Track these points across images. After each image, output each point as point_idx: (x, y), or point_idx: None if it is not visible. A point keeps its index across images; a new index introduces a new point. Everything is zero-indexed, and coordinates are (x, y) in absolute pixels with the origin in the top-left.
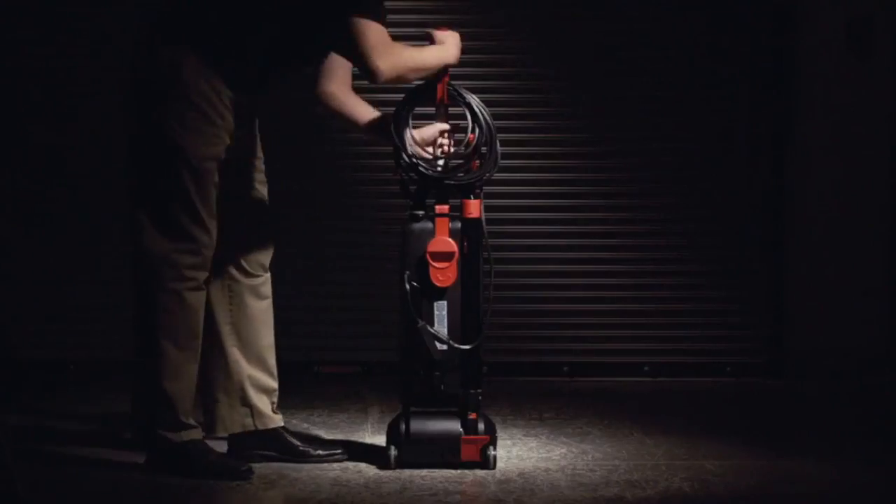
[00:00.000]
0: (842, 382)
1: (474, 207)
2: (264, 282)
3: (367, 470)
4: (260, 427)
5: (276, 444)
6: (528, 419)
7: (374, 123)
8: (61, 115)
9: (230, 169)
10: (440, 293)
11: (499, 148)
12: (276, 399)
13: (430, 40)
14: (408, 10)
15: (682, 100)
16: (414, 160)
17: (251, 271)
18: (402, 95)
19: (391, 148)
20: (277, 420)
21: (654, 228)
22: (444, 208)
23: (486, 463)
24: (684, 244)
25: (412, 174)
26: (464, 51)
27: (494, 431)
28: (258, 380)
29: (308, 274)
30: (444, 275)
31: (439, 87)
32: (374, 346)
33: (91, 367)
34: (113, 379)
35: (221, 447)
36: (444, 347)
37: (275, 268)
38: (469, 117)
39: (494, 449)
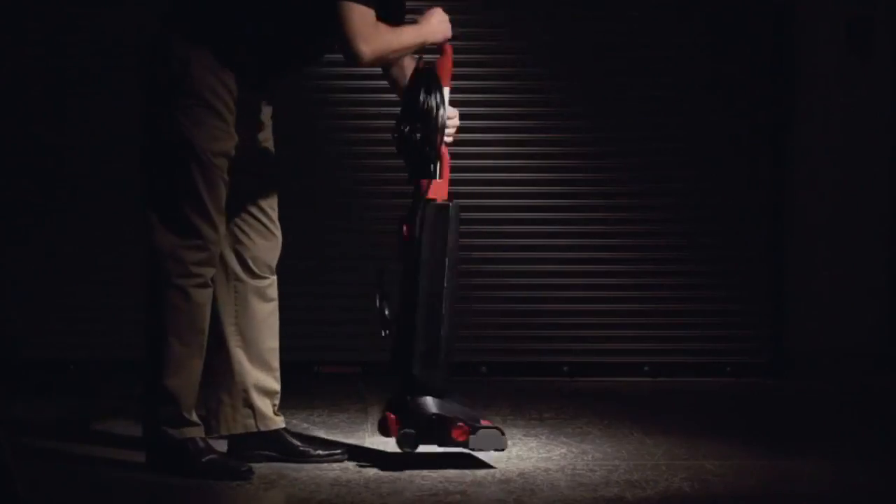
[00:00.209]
0: (842, 382)
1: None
2: (270, 284)
3: (367, 470)
4: (262, 428)
5: (277, 445)
6: (528, 419)
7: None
8: (61, 115)
9: (242, 169)
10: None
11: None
12: (277, 401)
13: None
14: (408, 10)
15: (682, 100)
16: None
17: (258, 272)
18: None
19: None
20: (279, 422)
21: (654, 228)
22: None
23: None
24: (684, 244)
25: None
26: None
27: (424, 418)
28: (261, 382)
29: (308, 274)
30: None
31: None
32: (374, 346)
33: (91, 367)
34: (113, 379)
35: (221, 447)
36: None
37: (277, 268)
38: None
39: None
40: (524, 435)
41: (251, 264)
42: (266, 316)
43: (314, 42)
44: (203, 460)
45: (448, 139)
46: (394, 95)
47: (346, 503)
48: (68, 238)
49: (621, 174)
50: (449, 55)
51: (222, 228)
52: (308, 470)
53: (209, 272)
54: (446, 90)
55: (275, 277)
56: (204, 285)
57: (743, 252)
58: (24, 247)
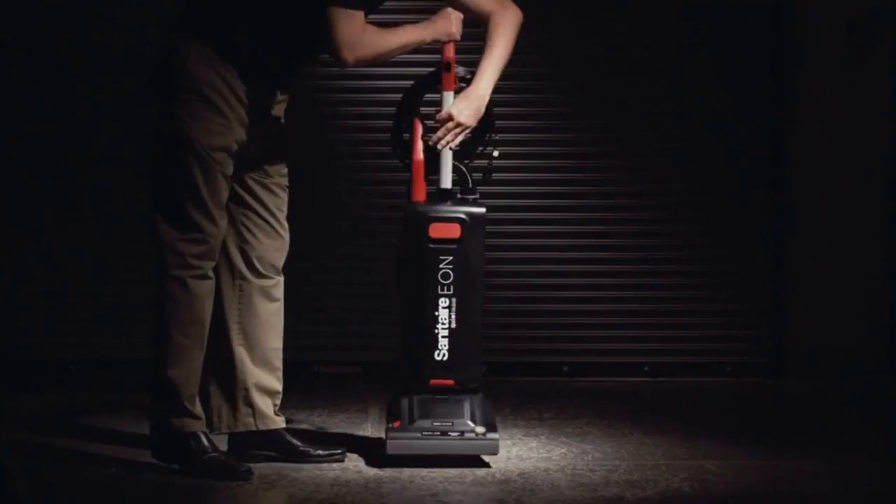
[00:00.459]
0: (842, 382)
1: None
2: (275, 284)
3: (367, 470)
4: (261, 428)
5: (277, 445)
6: (528, 419)
7: None
8: (61, 115)
9: (250, 167)
10: None
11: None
12: (279, 401)
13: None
14: (408, 10)
15: (683, 100)
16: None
17: (263, 272)
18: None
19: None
20: (279, 422)
21: (653, 228)
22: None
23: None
24: (684, 244)
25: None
26: (463, 36)
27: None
28: (262, 381)
29: (308, 274)
30: None
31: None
32: (374, 346)
33: (91, 367)
34: (113, 378)
35: (221, 444)
36: None
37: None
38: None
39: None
40: (524, 435)
41: (256, 264)
42: (270, 316)
43: (315, 41)
44: (203, 458)
45: (446, 142)
46: (393, 95)
47: (346, 503)
48: (69, 238)
49: (621, 174)
50: (449, 56)
51: (222, 222)
52: (308, 470)
53: (209, 265)
54: (449, 94)
55: (281, 278)
56: (203, 277)
57: (743, 252)
58: (24, 247)
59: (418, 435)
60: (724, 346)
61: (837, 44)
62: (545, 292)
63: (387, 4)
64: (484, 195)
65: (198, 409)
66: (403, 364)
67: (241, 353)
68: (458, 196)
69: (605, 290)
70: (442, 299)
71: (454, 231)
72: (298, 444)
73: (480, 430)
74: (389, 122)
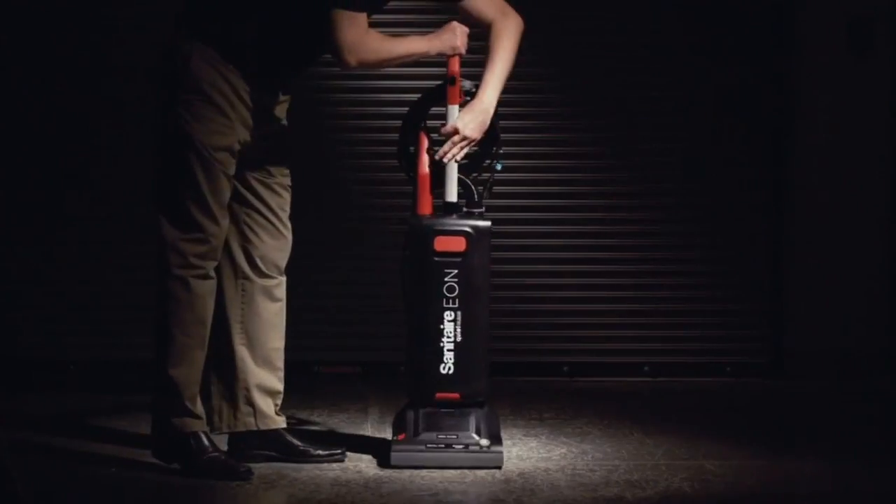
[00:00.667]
0: (842, 382)
1: None
2: (278, 284)
3: (367, 470)
4: (261, 427)
5: (277, 444)
6: (528, 419)
7: None
8: (62, 115)
9: (253, 167)
10: None
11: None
12: (280, 401)
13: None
14: (409, 10)
15: (682, 100)
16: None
17: (266, 272)
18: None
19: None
20: (279, 422)
21: (653, 228)
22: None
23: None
24: (684, 244)
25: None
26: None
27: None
28: (264, 381)
29: (308, 274)
30: None
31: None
32: (374, 346)
33: (91, 367)
34: (113, 379)
35: (222, 444)
36: None
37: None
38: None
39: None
40: (524, 435)
41: (259, 263)
42: (272, 316)
43: (317, 42)
44: (204, 458)
45: (451, 156)
46: (393, 96)
47: (346, 503)
48: (69, 238)
49: (620, 174)
50: (454, 70)
51: (224, 222)
52: (308, 470)
53: (210, 264)
54: (454, 107)
55: (283, 278)
56: (205, 276)
57: (742, 252)
58: (24, 246)
59: (423, 448)
60: (724, 346)
61: (837, 44)
62: (545, 292)
63: (389, 5)
64: (486, 202)
65: (199, 408)
66: (409, 377)
67: (242, 352)
68: (464, 209)
69: (605, 290)
70: (447, 312)
71: (459, 244)
72: (299, 444)
73: (485, 442)
74: (391, 123)
